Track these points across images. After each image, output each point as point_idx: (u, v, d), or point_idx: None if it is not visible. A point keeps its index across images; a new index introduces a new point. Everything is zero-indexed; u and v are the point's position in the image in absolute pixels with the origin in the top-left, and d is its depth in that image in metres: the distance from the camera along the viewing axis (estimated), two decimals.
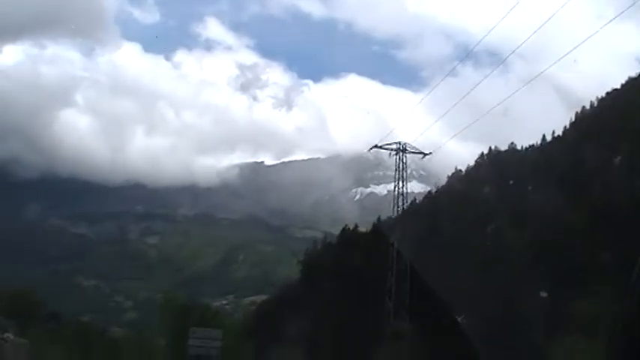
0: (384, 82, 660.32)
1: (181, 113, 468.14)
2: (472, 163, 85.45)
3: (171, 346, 54.03)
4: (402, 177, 53.57)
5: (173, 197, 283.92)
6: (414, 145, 54.20)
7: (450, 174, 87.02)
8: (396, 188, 53.44)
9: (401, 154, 53.27)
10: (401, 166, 53.69)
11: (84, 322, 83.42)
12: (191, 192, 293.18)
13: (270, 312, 58.19)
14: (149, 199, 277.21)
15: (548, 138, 77.48)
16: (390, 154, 53.69)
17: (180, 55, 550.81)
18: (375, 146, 54.14)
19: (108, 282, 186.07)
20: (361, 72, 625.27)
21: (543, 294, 47.85)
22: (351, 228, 61.65)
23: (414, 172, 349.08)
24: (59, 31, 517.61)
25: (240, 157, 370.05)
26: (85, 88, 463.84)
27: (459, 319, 44.21)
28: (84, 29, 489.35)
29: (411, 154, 54.47)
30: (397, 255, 47.67)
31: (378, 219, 66.16)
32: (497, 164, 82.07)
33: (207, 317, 54.05)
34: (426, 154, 54.13)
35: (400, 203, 52.70)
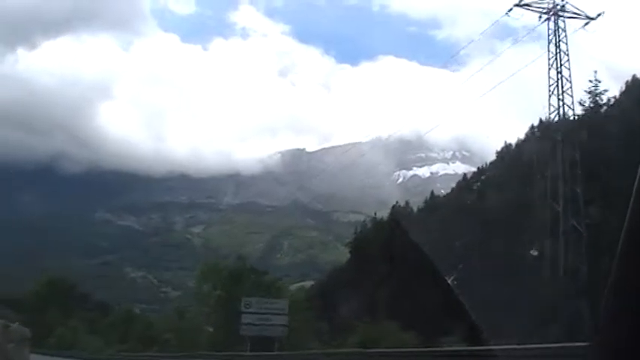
0: (421, 63, 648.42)
1: (221, 102, 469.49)
2: (522, 136, 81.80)
3: (218, 328, 44.55)
4: (559, 48, 38.95)
5: (216, 186, 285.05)
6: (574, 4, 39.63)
7: (498, 149, 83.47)
8: (554, 63, 38.73)
9: (555, 17, 38.96)
10: (557, 34, 38.82)
11: (126, 311, 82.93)
12: (234, 180, 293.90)
13: (321, 295, 55.03)
14: (193, 189, 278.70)
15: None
16: (539, 17, 39.52)
17: (217, 45, 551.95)
18: (519, 5, 40.01)
19: (155, 272, 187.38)
20: (398, 53, 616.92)
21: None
22: (402, 205, 59.40)
23: (456, 154, 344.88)
24: (97, 25, 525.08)
25: (281, 144, 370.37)
26: (125, 81, 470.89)
27: None
28: (121, 22, 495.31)
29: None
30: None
31: (432, 193, 63.17)
32: (549, 136, 78.28)
33: (262, 287, 42.62)
34: (591, 19, 39.14)
35: (561, 88, 38.79)
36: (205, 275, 46.37)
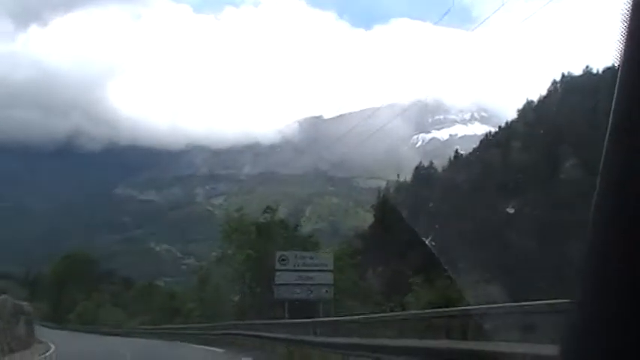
0: (436, 24, 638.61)
1: (236, 72, 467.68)
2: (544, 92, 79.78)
3: (247, 293, 39.98)
4: None
5: (236, 157, 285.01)
6: None
7: (520, 107, 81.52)
8: None
9: None
10: None
11: (147, 284, 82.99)
12: (253, 151, 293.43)
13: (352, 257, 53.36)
14: (213, 161, 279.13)
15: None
16: None
17: (229, 13, 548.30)
18: None
19: (179, 245, 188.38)
20: (413, 15, 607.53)
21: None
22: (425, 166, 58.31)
23: (474, 115, 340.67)
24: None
25: (298, 113, 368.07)
26: (138, 55, 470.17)
27: None
28: None
29: None
30: None
31: (456, 152, 62.01)
32: (572, 91, 76.42)
33: (295, 243, 36.42)
34: None
35: None
36: (229, 234, 40.81)
